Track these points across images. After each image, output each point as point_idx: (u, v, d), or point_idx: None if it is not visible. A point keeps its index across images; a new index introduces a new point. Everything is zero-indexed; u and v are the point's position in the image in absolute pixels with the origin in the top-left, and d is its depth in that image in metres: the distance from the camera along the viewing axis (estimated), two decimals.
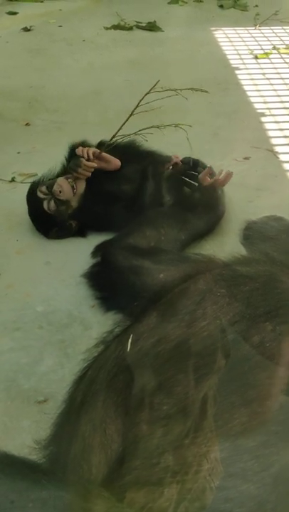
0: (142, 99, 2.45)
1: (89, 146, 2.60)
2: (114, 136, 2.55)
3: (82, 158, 2.50)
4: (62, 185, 2.51)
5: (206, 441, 1.16)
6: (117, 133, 2.52)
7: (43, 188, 2.54)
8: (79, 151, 2.54)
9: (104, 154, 2.54)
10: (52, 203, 2.51)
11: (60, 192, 2.50)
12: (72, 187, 2.53)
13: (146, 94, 2.44)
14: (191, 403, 1.21)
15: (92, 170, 2.52)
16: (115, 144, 2.57)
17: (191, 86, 3.36)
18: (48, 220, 2.55)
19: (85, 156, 2.51)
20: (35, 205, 2.56)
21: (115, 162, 2.57)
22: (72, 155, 2.60)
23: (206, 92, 2.58)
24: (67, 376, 1.71)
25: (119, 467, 1.20)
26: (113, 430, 1.26)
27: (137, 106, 2.44)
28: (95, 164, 2.51)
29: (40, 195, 2.53)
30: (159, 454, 1.17)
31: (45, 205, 2.52)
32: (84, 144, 2.61)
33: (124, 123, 2.48)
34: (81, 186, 2.56)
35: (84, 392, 1.38)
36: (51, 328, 2.10)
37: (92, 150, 2.54)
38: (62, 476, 1.26)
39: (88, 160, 2.50)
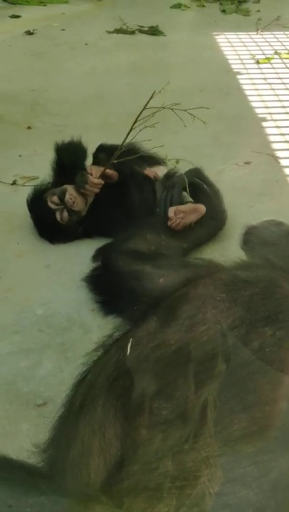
0: (140, 113, 2.40)
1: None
2: (120, 150, 2.51)
3: (89, 175, 2.50)
4: (76, 196, 2.49)
5: (205, 447, 1.16)
6: (122, 146, 2.48)
7: (55, 198, 2.50)
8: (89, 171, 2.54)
9: (107, 171, 2.53)
10: (65, 213, 2.49)
11: (73, 203, 2.48)
12: (84, 197, 2.53)
13: (143, 109, 2.40)
14: (190, 408, 1.21)
15: (100, 186, 2.52)
16: (120, 153, 2.55)
17: (192, 90, 3.38)
18: (56, 228, 2.53)
19: (94, 180, 2.50)
20: (44, 213, 2.53)
21: (114, 175, 2.57)
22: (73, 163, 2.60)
23: (206, 108, 2.55)
24: (67, 380, 1.71)
25: (118, 472, 1.20)
26: (112, 434, 1.26)
27: (136, 121, 2.40)
28: (102, 182, 2.50)
29: (52, 206, 2.50)
30: (158, 459, 1.17)
31: (58, 216, 2.49)
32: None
33: (125, 138, 2.45)
34: (91, 196, 2.55)
35: (83, 396, 1.38)
36: (51, 331, 2.10)
37: (98, 173, 2.53)
38: (61, 481, 1.25)
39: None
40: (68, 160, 2.62)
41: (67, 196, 2.48)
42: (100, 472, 1.23)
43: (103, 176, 2.52)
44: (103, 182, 2.51)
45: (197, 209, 2.42)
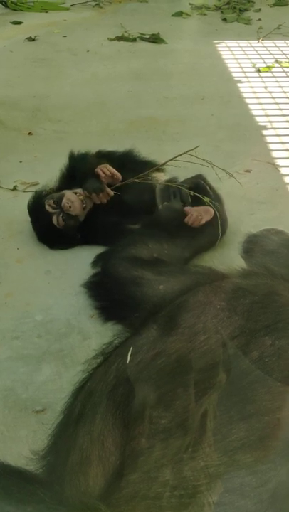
0: (167, 161, 2.54)
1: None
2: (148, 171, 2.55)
3: (105, 185, 2.52)
4: (73, 201, 2.50)
5: (204, 456, 1.16)
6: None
7: (52, 202, 2.52)
8: (101, 174, 2.54)
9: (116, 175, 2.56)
10: (61, 217, 2.50)
11: (70, 207, 2.49)
12: (82, 202, 2.53)
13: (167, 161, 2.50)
14: (190, 417, 1.20)
15: (108, 196, 2.53)
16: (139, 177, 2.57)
17: (193, 98, 3.39)
18: (54, 233, 2.54)
19: (107, 177, 2.52)
20: (42, 217, 2.54)
21: (119, 178, 2.58)
22: (76, 166, 2.60)
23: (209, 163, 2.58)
24: (66, 386, 1.71)
25: (117, 480, 1.19)
26: (111, 443, 1.26)
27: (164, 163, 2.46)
28: (112, 193, 2.52)
29: (49, 209, 2.51)
30: (158, 468, 1.16)
31: (54, 219, 2.50)
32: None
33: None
34: (90, 203, 2.56)
35: (82, 404, 1.38)
36: (50, 337, 2.10)
37: (112, 172, 2.55)
38: (60, 488, 1.25)
39: (108, 181, 2.53)
40: (82, 167, 2.64)
41: (64, 201, 2.49)
42: (98, 480, 1.22)
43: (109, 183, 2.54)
44: (112, 194, 2.53)
45: (208, 210, 2.42)
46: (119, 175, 2.56)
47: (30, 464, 1.41)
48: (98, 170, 2.55)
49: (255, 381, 1.27)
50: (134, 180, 2.50)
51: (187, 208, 2.42)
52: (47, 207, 2.52)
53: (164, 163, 2.59)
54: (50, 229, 2.53)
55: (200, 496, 1.12)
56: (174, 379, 1.28)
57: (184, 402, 1.23)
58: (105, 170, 2.54)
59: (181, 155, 2.51)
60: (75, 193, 2.53)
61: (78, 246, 2.57)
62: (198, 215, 2.38)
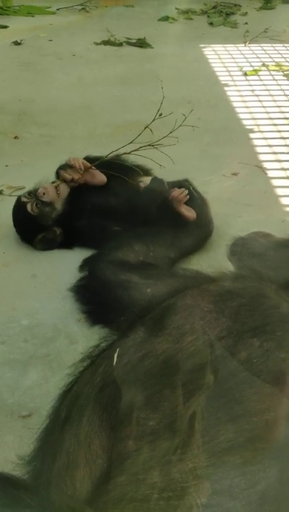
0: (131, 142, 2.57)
1: None
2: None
3: (77, 164, 2.56)
4: (47, 187, 2.54)
5: (192, 458, 1.15)
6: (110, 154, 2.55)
7: (26, 193, 2.57)
8: (70, 160, 2.58)
9: (91, 169, 2.57)
10: (35, 204, 2.52)
11: (43, 194, 2.52)
12: (56, 189, 2.56)
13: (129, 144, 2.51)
14: (178, 419, 1.20)
15: (79, 175, 2.56)
16: (103, 160, 2.59)
17: (179, 102, 3.39)
18: (32, 226, 2.55)
19: (76, 164, 2.55)
20: (20, 212, 2.56)
21: (101, 177, 2.59)
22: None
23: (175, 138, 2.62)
24: (52, 390, 1.69)
25: (104, 483, 1.18)
26: (98, 445, 1.25)
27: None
28: (87, 165, 2.56)
29: (24, 200, 2.55)
30: (145, 471, 1.15)
31: (28, 207, 2.52)
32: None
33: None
34: (64, 190, 2.59)
35: (69, 407, 1.37)
36: (36, 341, 2.08)
37: (82, 160, 2.58)
38: (46, 493, 1.24)
39: (78, 169, 2.56)
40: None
41: (39, 190, 2.54)
42: (85, 484, 1.21)
43: (87, 172, 2.57)
44: (88, 166, 2.56)
45: (190, 209, 2.42)
46: (99, 174, 2.60)
47: (17, 469, 1.39)
48: (69, 159, 2.60)
49: (244, 382, 1.26)
50: (103, 159, 2.59)
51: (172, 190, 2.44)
52: (22, 198, 2.56)
53: (130, 152, 2.62)
54: (27, 221, 2.55)
55: (188, 498, 1.11)
56: (162, 380, 1.27)
57: (172, 404, 1.22)
58: (75, 159, 2.59)
59: (147, 146, 2.58)
60: (52, 183, 2.59)
61: (63, 248, 2.56)
62: (181, 192, 2.39)
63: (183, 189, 2.39)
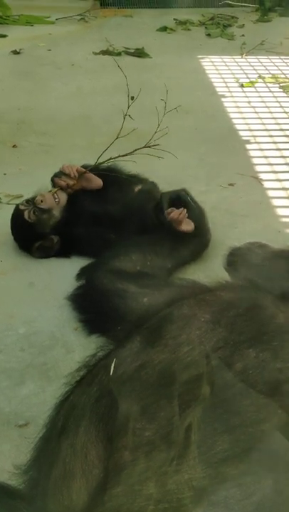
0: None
1: None
2: (98, 160, 2.60)
3: (70, 171, 2.59)
4: (44, 195, 2.55)
5: (189, 469, 1.15)
6: (100, 156, 2.57)
7: (24, 201, 2.58)
8: (64, 167, 2.60)
9: (86, 174, 2.59)
10: (32, 212, 2.52)
11: (41, 201, 2.52)
12: (54, 197, 2.56)
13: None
14: (174, 430, 1.20)
15: (74, 181, 2.58)
16: (98, 167, 2.62)
17: (177, 112, 3.41)
18: (29, 234, 2.55)
19: (69, 171, 2.57)
20: (18, 220, 2.57)
21: (97, 181, 2.61)
22: None
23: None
24: (49, 400, 1.69)
25: (100, 494, 1.18)
26: (94, 455, 1.25)
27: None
28: (76, 172, 2.58)
29: (22, 207, 2.55)
30: (141, 481, 1.16)
31: (26, 214, 2.53)
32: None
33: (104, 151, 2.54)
34: (63, 197, 2.59)
35: (65, 417, 1.37)
36: (33, 350, 2.08)
37: (76, 166, 2.60)
38: (42, 503, 1.24)
39: (73, 175, 2.58)
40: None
41: (37, 197, 2.54)
42: (81, 494, 1.21)
43: (82, 177, 2.59)
44: (82, 171, 2.58)
45: (189, 222, 2.43)
46: (95, 179, 2.62)
47: (13, 478, 1.39)
48: (63, 167, 2.62)
49: (240, 393, 1.27)
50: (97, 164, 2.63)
51: (170, 210, 2.43)
52: (20, 206, 2.57)
53: (124, 155, 2.64)
54: (24, 229, 2.55)
55: (184, 509, 1.11)
56: (158, 390, 1.27)
57: (168, 414, 1.22)
58: (68, 166, 2.61)
59: (142, 148, 2.61)
60: (50, 191, 2.59)
61: (60, 257, 2.56)
62: (180, 213, 2.39)
63: (181, 209, 2.38)
